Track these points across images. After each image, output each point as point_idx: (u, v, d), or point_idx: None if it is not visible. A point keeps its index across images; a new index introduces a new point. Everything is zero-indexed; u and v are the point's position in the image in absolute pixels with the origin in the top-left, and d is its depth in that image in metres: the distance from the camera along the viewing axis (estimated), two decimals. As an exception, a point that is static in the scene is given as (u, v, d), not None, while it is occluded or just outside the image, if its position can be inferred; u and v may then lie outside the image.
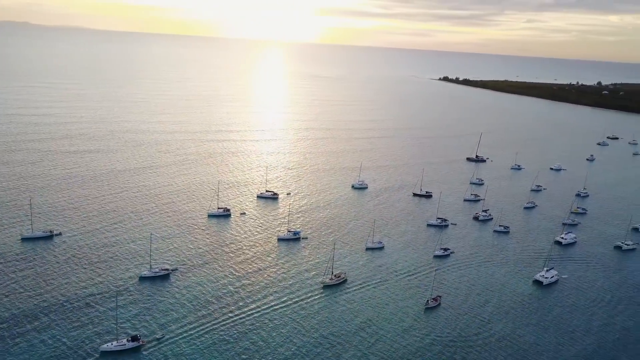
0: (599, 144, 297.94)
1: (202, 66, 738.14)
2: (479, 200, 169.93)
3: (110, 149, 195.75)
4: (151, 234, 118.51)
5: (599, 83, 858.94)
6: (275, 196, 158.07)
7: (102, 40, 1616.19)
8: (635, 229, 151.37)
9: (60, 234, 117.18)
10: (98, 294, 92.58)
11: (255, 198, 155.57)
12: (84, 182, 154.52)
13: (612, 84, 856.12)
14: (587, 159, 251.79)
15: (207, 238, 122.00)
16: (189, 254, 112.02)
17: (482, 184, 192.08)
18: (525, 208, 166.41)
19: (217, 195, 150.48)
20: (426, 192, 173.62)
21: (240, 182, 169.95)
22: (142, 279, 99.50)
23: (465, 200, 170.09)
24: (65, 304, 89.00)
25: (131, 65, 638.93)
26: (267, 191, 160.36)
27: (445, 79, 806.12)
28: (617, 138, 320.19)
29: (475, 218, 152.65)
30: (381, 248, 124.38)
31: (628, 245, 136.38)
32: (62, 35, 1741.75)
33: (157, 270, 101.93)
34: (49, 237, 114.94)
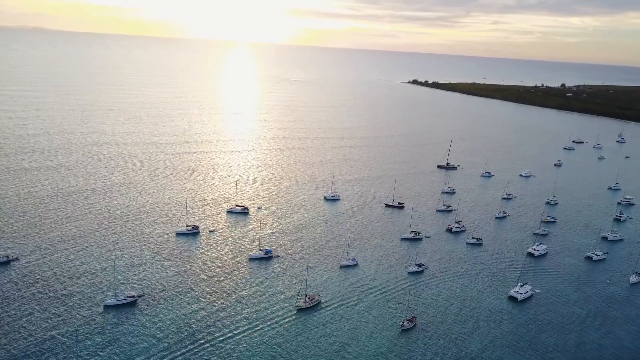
0: (565, 148, 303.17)
1: (166, 69, 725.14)
2: (451, 210, 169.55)
3: (73, 164, 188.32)
4: (115, 258, 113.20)
5: (563, 85, 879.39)
6: (246, 211, 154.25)
7: (61, 41, 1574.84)
8: (604, 238, 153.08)
9: (17, 259, 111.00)
10: (58, 325, 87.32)
11: (225, 213, 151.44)
12: (44, 202, 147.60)
13: (575, 86, 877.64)
14: (555, 165, 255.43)
15: (175, 259, 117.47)
16: (156, 278, 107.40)
17: (454, 192, 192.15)
18: (497, 218, 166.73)
19: (186, 212, 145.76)
20: (398, 202, 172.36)
21: (209, 196, 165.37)
22: (107, 307, 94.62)
23: (437, 210, 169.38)
24: (22, 334, 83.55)
25: (92, 69, 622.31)
26: (237, 206, 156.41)
27: (415, 82, 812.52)
28: (582, 142, 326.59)
29: (449, 230, 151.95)
30: (355, 265, 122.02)
31: (598, 255, 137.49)
32: (19, 36, 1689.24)
33: (122, 297, 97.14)
34: (5, 262, 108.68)
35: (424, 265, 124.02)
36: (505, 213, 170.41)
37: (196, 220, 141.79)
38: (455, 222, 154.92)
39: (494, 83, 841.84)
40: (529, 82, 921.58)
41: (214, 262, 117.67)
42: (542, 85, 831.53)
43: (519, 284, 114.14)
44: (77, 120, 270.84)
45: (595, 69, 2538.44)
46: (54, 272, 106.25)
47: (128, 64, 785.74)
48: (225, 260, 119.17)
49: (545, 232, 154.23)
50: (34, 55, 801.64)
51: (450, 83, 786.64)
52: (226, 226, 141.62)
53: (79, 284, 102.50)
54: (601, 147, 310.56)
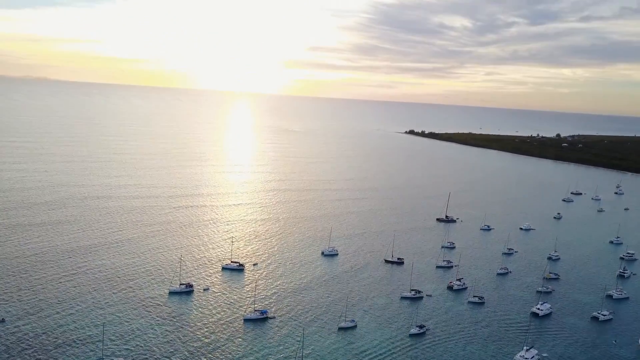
0: (564, 200, 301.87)
1: (165, 119, 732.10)
2: (451, 266, 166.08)
3: (68, 220, 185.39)
4: (105, 323, 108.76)
5: (558, 135, 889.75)
6: (241, 267, 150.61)
7: (62, 91, 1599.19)
8: (609, 296, 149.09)
9: (3, 320, 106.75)
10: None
11: (220, 270, 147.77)
12: (35, 261, 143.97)
13: (570, 136, 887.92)
14: (555, 217, 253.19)
15: (167, 320, 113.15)
16: (146, 343, 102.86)
17: (454, 247, 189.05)
18: (499, 274, 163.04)
19: (180, 268, 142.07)
20: (398, 258, 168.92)
21: (205, 252, 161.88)
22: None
23: (437, 266, 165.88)
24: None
25: (92, 119, 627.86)
26: (232, 262, 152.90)
27: (411, 132, 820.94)
28: (580, 193, 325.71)
29: (450, 287, 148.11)
30: (354, 327, 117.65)
31: (604, 315, 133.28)
32: (22, 86, 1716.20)
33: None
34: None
35: (425, 326, 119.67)
36: (507, 269, 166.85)
37: (190, 278, 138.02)
38: (457, 279, 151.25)
39: (490, 133, 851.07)
40: (524, 132, 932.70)
41: (207, 324, 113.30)
42: (538, 135, 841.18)
43: (525, 348, 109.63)
44: (74, 172, 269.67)
45: (588, 118, 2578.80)
46: (40, 340, 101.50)
47: (128, 114, 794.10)
48: (219, 322, 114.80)
49: (549, 290, 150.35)
50: (34, 106, 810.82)
51: (447, 133, 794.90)
52: (221, 284, 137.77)
53: (65, 354, 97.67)
54: (600, 199, 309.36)
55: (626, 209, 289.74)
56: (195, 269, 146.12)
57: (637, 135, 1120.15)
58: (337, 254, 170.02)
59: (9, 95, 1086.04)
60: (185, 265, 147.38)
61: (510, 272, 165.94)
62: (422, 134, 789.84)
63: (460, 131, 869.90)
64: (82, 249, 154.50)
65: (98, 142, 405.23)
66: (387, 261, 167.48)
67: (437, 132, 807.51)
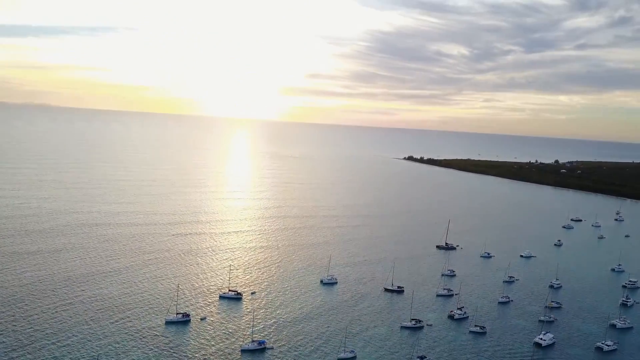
0: (564, 227, 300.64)
1: (165, 145, 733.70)
2: (452, 295, 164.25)
3: (65, 248, 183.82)
4: (99, 354, 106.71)
5: (557, 161, 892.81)
6: (239, 296, 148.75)
7: (63, 117, 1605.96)
8: (613, 326, 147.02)
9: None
10: None
11: (218, 299, 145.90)
12: (30, 290, 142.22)
13: (569, 162, 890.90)
14: (555, 244, 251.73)
15: (164, 351, 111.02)
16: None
17: (454, 275, 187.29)
18: (500, 303, 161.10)
19: (177, 297, 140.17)
20: (398, 286, 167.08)
21: (202, 281, 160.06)
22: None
23: (438, 295, 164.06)
24: None
25: (91, 145, 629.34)
26: (230, 290, 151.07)
27: (410, 158, 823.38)
28: (580, 220, 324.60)
29: (450, 316, 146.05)
30: (354, 357, 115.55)
31: (609, 345, 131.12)
32: (23, 113, 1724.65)
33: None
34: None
35: (426, 357, 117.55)
36: (508, 298, 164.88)
37: (187, 307, 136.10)
38: (458, 308, 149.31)
39: (489, 159, 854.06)
40: (523, 158, 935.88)
41: (205, 357, 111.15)
42: (536, 161, 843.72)
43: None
44: (73, 199, 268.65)
45: (585, 144, 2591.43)
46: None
47: (128, 140, 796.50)
48: (216, 354, 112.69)
49: (551, 319, 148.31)
50: (35, 132, 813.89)
51: (445, 159, 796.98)
52: (218, 313, 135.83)
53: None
54: (600, 226, 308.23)
55: (627, 236, 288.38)
56: (192, 298, 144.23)
57: (635, 161, 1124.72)
58: (336, 282, 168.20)
59: (9, 122, 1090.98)
60: (182, 294, 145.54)
61: (512, 300, 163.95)
62: (421, 160, 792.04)
63: (459, 157, 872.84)
64: (79, 278, 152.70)
65: (98, 168, 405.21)
66: (387, 289, 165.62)
67: (435, 158, 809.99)
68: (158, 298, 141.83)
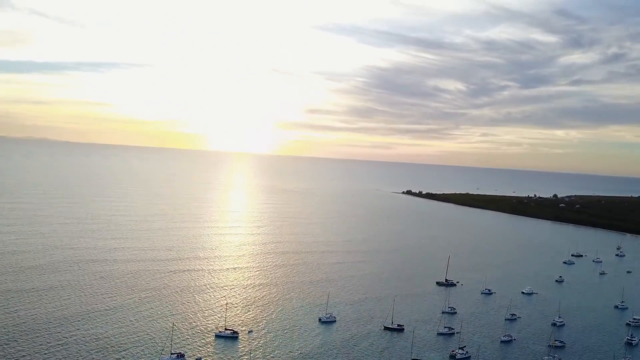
0: (565, 262, 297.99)
1: (164, 180, 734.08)
2: (453, 333, 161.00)
3: (60, 285, 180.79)
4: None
5: (555, 195, 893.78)
6: (235, 335, 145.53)
7: (62, 152, 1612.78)
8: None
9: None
10: None
11: (214, 338, 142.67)
12: (22, 331, 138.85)
13: (567, 196, 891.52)
14: (557, 280, 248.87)
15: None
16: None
17: (455, 312, 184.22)
18: (502, 342, 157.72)
19: (171, 337, 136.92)
20: (398, 325, 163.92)
21: (198, 318, 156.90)
22: None
23: (439, 333, 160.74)
24: None
25: (90, 180, 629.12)
26: (226, 329, 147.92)
27: (409, 192, 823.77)
28: (581, 255, 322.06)
29: (452, 356, 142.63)
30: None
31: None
32: (22, 147, 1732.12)
33: None
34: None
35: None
36: (511, 336, 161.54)
37: (182, 347, 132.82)
38: (459, 348, 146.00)
39: (488, 193, 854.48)
40: (521, 192, 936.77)
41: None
42: (535, 195, 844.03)
43: None
44: (69, 234, 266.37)
45: (582, 178, 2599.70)
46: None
47: (127, 174, 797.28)
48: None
49: (555, 359, 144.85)
50: (32, 166, 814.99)
51: (444, 194, 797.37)
52: (214, 353, 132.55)
53: None
54: (601, 262, 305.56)
55: (629, 272, 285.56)
56: (187, 337, 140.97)
57: (633, 195, 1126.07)
58: (335, 321, 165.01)
59: (8, 155, 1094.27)
60: (178, 333, 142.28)
61: (515, 339, 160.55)
62: (420, 194, 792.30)
63: (458, 191, 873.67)
64: (74, 316, 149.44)
65: (95, 202, 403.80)
66: (386, 328, 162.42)
67: (434, 192, 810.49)
68: (153, 337, 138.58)
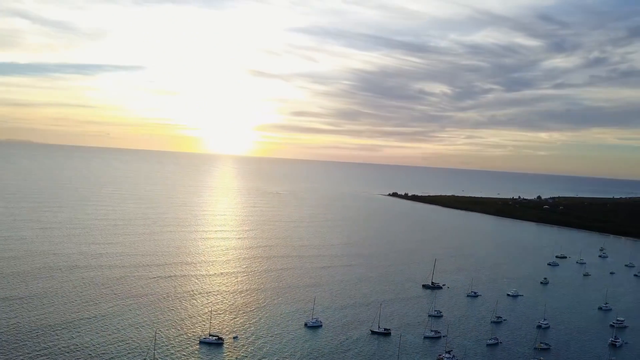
0: (549, 264, 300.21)
1: (146, 183, 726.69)
2: (439, 337, 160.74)
3: (40, 294, 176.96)
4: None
5: (539, 197, 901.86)
6: (220, 341, 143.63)
7: (42, 154, 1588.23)
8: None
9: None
10: None
11: (198, 344, 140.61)
12: (3, 340, 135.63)
13: (550, 198, 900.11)
14: (542, 282, 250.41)
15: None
16: None
17: (441, 316, 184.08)
18: (489, 345, 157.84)
19: (154, 345, 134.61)
20: (384, 329, 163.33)
21: (182, 325, 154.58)
22: None
23: (425, 337, 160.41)
24: None
25: (71, 183, 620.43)
26: (210, 335, 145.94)
27: (395, 194, 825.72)
28: (565, 257, 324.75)
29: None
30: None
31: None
32: (2, 149, 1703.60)
33: None
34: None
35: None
36: (497, 339, 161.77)
37: (166, 353, 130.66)
38: (446, 352, 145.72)
39: (473, 195, 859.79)
40: (506, 193, 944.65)
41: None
42: (519, 197, 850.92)
43: None
44: (51, 239, 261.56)
45: (566, 180, 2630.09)
46: None
47: (109, 177, 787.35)
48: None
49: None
50: (13, 169, 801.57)
51: (430, 196, 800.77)
52: (198, 359, 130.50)
53: None
54: (585, 263, 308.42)
55: (612, 273, 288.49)
56: (171, 344, 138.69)
57: (614, 197, 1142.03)
58: (321, 325, 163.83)
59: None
60: (162, 340, 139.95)
61: (501, 342, 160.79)
62: (406, 197, 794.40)
63: (443, 193, 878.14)
64: (56, 326, 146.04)
65: (77, 206, 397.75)
66: (373, 332, 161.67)
67: (420, 194, 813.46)
68: (137, 346, 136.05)
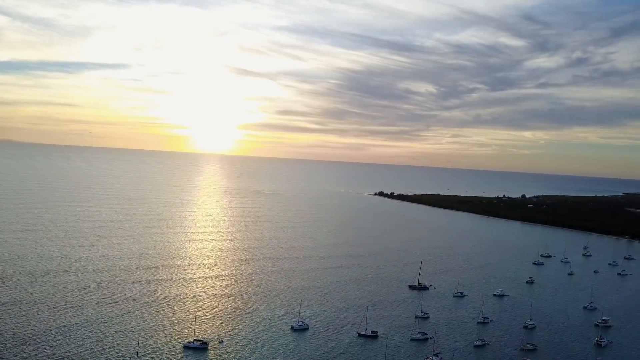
0: (534, 263, 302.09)
1: (131, 182, 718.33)
2: (427, 338, 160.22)
3: (20, 300, 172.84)
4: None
5: (523, 195, 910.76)
6: (205, 346, 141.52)
7: (23, 153, 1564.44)
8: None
9: None
10: None
11: (182, 349, 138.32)
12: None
13: (535, 197, 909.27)
14: (527, 282, 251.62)
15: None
16: None
17: (428, 317, 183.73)
18: (476, 346, 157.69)
19: (137, 351, 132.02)
20: (372, 331, 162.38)
21: (166, 329, 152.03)
22: None
23: (412, 339, 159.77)
24: None
25: (54, 183, 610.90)
26: (195, 340, 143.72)
27: (381, 193, 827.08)
28: (550, 256, 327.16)
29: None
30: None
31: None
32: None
33: None
34: None
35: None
36: (484, 341, 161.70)
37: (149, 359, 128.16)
38: (433, 354, 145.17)
39: (458, 194, 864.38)
40: (490, 192, 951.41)
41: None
42: (504, 196, 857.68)
43: None
44: (32, 242, 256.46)
45: (549, 179, 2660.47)
46: None
47: (92, 177, 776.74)
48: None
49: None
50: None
51: (416, 195, 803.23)
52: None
53: None
54: (569, 262, 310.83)
55: (596, 272, 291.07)
56: (155, 349, 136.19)
57: (597, 195, 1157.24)
58: (307, 328, 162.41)
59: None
60: (145, 345, 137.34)
61: (488, 343, 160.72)
62: (392, 196, 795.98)
63: (429, 192, 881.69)
64: (33, 336, 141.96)
65: (59, 208, 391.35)
66: (360, 335, 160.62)
67: (406, 193, 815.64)
68: (119, 351, 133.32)
